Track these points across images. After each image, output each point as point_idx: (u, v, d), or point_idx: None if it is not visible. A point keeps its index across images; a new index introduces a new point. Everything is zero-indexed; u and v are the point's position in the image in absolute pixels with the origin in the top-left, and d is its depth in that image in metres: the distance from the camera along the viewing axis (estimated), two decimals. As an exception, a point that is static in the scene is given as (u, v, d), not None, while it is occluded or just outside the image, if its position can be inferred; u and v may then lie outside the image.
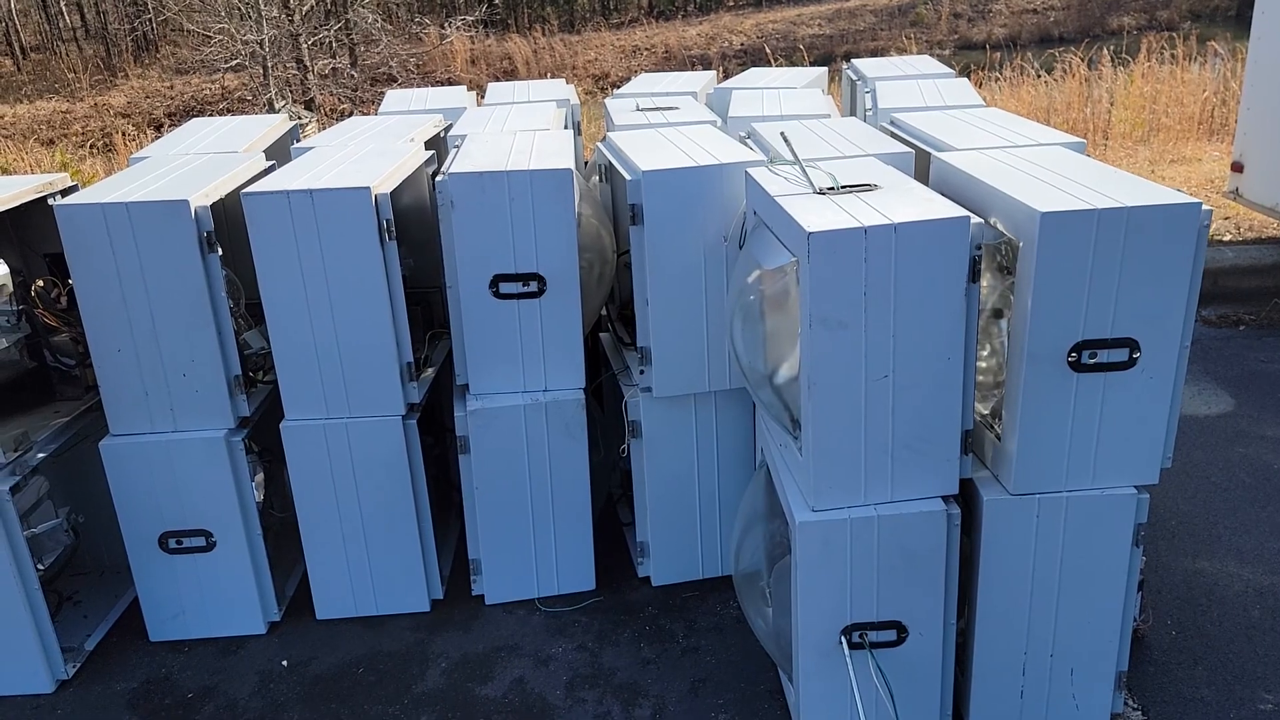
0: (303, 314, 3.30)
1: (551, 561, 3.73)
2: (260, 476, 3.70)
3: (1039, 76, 11.92)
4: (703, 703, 3.22)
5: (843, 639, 2.81)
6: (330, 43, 21.74)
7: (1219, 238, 6.91)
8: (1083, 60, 11.45)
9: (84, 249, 3.18)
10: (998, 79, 12.17)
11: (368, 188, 3.18)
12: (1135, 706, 3.10)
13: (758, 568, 3.21)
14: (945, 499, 2.74)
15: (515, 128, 4.16)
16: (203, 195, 3.23)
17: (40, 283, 3.60)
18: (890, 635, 2.82)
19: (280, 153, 4.28)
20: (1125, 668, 2.96)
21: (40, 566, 3.37)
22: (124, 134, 15.57)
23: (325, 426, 3.43)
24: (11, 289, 3.57)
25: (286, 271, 3.25)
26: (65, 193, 3.64)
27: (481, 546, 3.67)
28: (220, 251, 3.25)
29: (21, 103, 23.14)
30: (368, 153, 3.73)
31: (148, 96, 23.22)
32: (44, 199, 3.55)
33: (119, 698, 3.37)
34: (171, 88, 23.82)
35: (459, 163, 3.41)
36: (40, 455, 3.31)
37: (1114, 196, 2.53)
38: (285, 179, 3.31)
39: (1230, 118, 9.82)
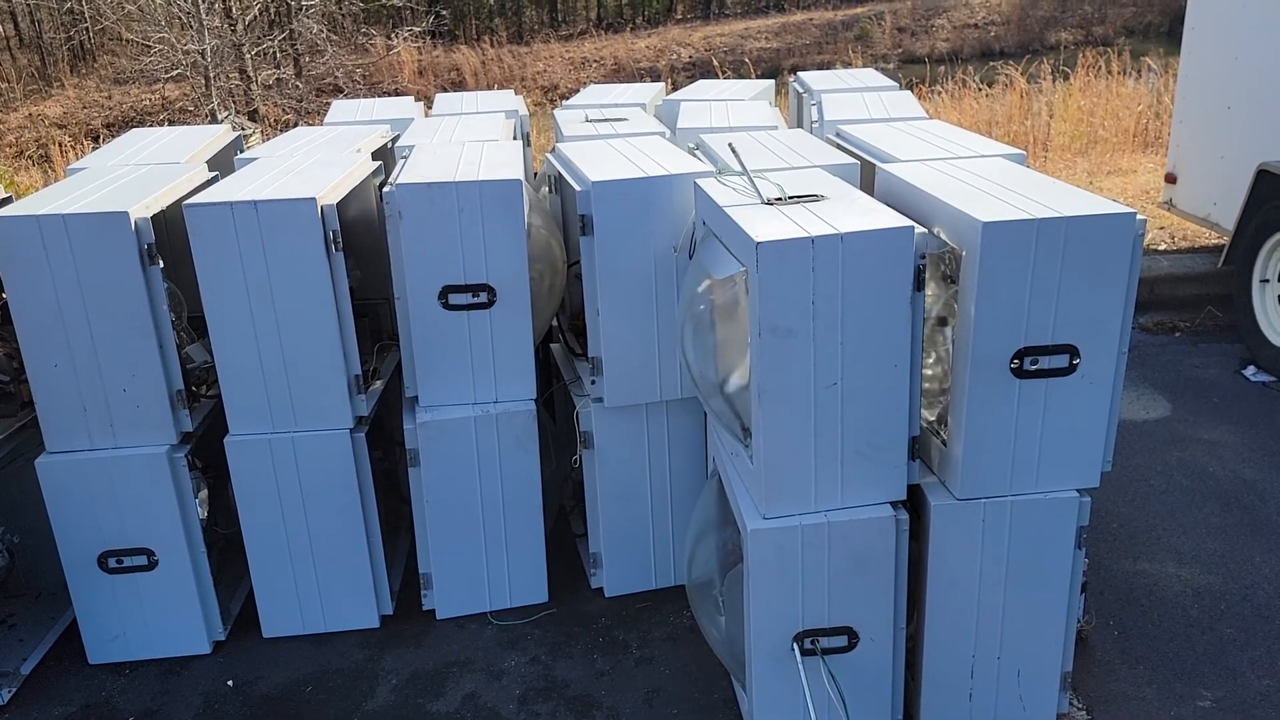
0: (247, 327, 3.24)
1: (503, 574, 3.70)
2: (204, 493, 3.63)
3: (980, 90, 12.17)
4: (657, 713, 3.21)
5: (795, 645, 2.83)
6: (274, 53, 21.47)
7: (1154, 247, 7.10)
8: (1022, 74, 11.72)
9: (18, 262, 3.09)
10: (941, 92, 12.40)
11: (313, 198, 3.14)
12: (1080, 706, 3.15)
13: (710, 576, 3.22)
14: (894, 505, 2.78)
15: (464, 139, 4.14)
16: (143, 207, 3.17)
17: (-28, 297, 3.50)
18: (841, 641, 2.84)
19: (223, 164, 4.21)
20: (1070, 668, 3.02)
21: (-27, 589, 3.27)
22: (60, 145, 15.19)
23: (271, 441, 3.37)
24: (-58, 303, 3.46)
25: (230, 284, 3.19)
26: (-1, 204, 3.55)
27: (432, 560, 3.63)
28: (161, 264, 3.19)
29: (-48, 112, 22.49)
30: (314, 163, 3.69)
31: (85, 107, 22.70)
32: (-24, 210, 3.46)
33: (57, 723, 3.28)
34: (110, 98, 23.32)
35: (407, 173, 3.39)
36: (-27, 474, 3.22)
37: (1053, 206, 2.59)
38: (229, 190, 3.26)
39: (1164, 130, 10.11)
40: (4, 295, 3.28)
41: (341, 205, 3.27)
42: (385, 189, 3.31)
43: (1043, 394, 2.69)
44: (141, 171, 3.66)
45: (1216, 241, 6.91)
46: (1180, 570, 3.81)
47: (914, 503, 2.85)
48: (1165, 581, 3.75)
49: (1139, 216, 2.57)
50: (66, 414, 3.26)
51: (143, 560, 3.39)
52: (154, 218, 3.17)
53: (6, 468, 3.42)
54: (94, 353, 3.20)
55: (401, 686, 3.38)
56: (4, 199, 3.59)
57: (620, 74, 23.53)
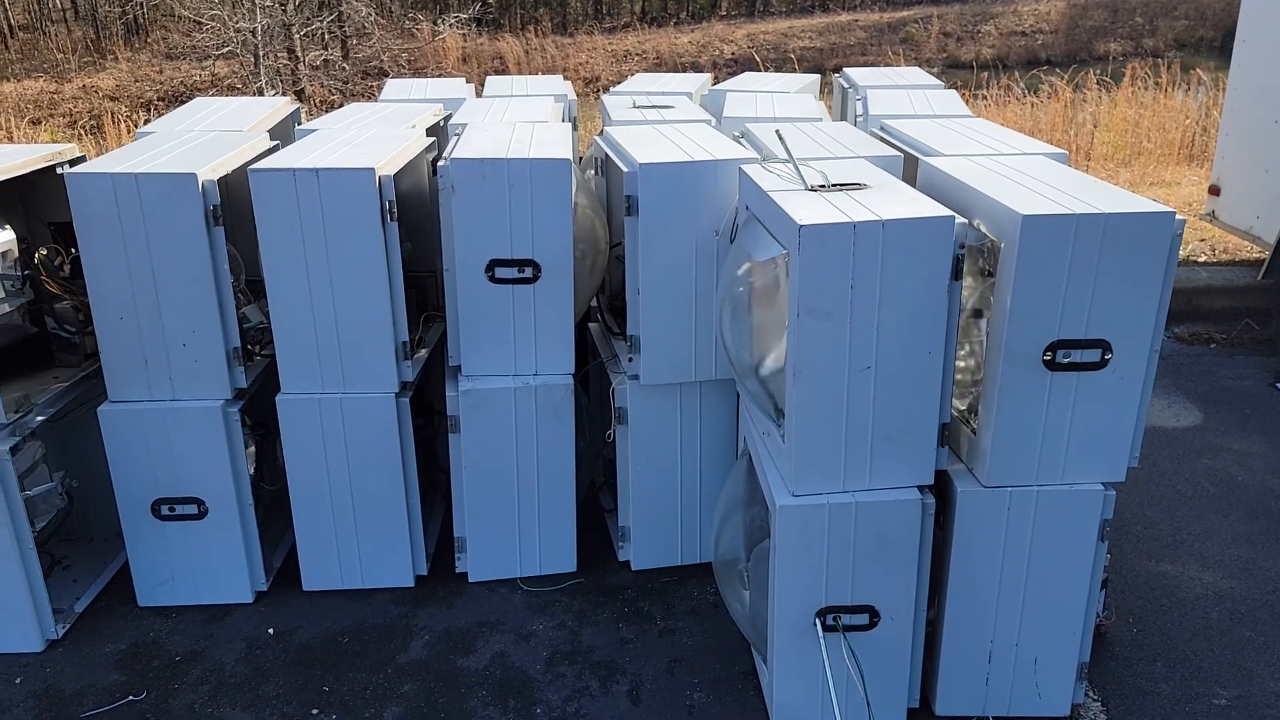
0: (303, 290, 3.37)
1: (535, 542, 3.81)
2: (252, 449, 3.77)
3: (1025, 97, 12.12)
4: (678, 681, 3.31)
5: (817, 621, 2.91)
6: (322, 34, 21.75)
7: (1194, 259, 7.09)
8: (1068, 83, 11.65)
9: (92, 218, 3.23)
10: (984, 97, 12.36)
11: (372, 169, 3.25)
12: (1095, 698, 3.21)
13: (737, 553, 3.31)
14: (921, 489, 2.84)
15: (514, 119, 4.24)
16: (210, 170, 3.30)
17: (44, 250, 3.65)
18: (863, 619, 2.92)
19: (283, 134, 4.35)
20: (1087, 660, 3.07)
21: (34, 528, 3.41)
22: (114, 116, 15.51)
23: (320, 400, 3.50)
24: (16, 255, 3.62)
25: (289, 247, 3.32)
26: (73, 163, 3.70)
27: (467, 525, 3.75)
28: (224, 226, 3.32)
29: (8, 81, 22.99)
30: (371, 136, 3.81)
31: (136, 80, 23.11)
32: (52, 168, 3.61)
33: (107, 658, 3.42)
34: (161, 72, 23.72)
35: (460, 149, 3.49)
36: (39, 419, 3.37)
37: (1093, 203, 2.65)
38: (291, 158, 3.39)
39: (1210, 144, 10.03)
40: (74, 250, 3.43)
41: (397, 178, 3.38)
42: (439, 163, 3.41)
43: (1073, 387, 2.75)
44: (207, 137, 3.80)
45: (1258, 255, 6.88)
46: (1203, 574, 3.85)
47: (941, 488, 2.92)
48: (1187, 584, 3.79)
49: (1177, 216, 2.62)
50: (129, 365, 3.40)
51: (193, 509, 3.53)
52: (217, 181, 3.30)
53: (69, 415, 3.57)
54: (157, 308, 3.34)
55: (434, 643, 3.50)
56: (79, 158, 3.73)
57: (662, 68, 23.59)
